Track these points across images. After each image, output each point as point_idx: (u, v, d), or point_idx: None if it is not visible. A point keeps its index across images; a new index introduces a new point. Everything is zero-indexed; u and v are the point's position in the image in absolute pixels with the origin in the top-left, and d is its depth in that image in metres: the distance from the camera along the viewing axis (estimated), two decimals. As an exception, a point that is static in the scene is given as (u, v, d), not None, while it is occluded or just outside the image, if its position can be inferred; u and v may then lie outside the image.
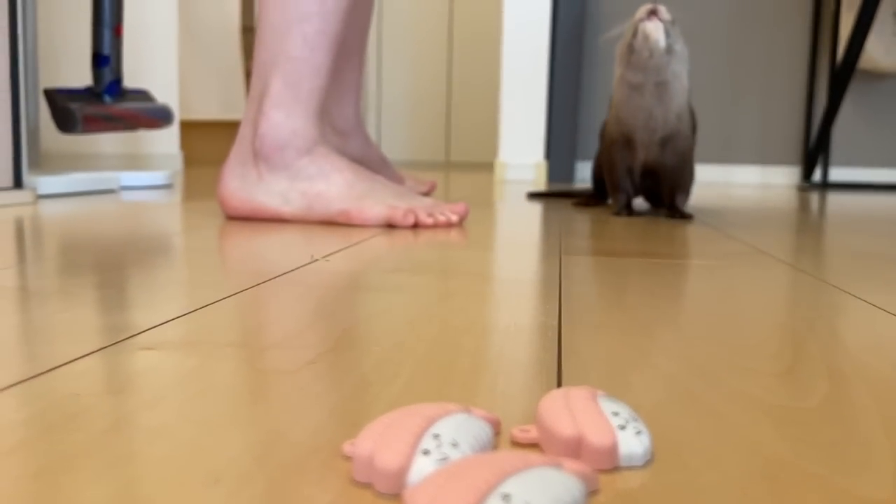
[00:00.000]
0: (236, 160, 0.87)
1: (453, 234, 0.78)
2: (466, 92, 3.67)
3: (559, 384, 0.29)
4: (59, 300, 0.42)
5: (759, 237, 0.83)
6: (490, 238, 0.76)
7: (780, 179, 2.44)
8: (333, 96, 1.17)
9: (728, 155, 2.46)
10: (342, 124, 1.22)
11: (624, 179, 1.09)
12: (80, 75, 1.91)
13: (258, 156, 0.84)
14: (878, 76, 2.37)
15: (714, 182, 2.43)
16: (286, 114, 0.83)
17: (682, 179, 1.06)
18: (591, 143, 2.49)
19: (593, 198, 1.27)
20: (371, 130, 3.71)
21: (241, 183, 0.86)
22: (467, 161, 3.73)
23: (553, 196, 1.40)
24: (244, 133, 0.87)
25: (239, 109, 3.11)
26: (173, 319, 0.38)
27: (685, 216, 1.04)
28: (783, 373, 0.31)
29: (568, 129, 2.34)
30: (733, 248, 0.73)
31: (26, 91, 1.50)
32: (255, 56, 0.85)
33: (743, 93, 2.43)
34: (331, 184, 0.84)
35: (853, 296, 0.49)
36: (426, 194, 1.24)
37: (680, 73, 1.05)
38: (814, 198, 1.71)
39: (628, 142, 1.07)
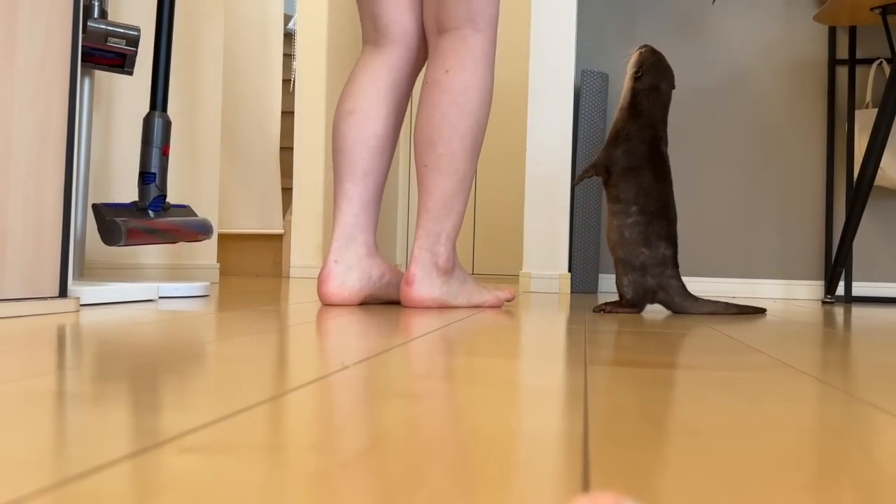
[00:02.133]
0: (423, 273, 1.26)
1: (479, 341, 0.79)
2: (492, 207, 3.76)
3: (585, 490, 0.29)
4: (95, 405, 0.43)
5: (784, 350, 0.83)
6: (516, 346, 0.77)
7: (803, 294, 2.42)
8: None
9: (751, 270, 2.46)
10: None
11: None
12: (127, 191, 2.01)
13: (440, 270, 1.27)
14: (893, 193, 2.39)
15: (738, 296, 2.42)
16: (453, 247, 1.29)
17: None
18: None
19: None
20: (401, 244, 3.78)
21: (429, 288, 1.26)
22: (493, 273, 3.77)
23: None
24: (422, 255, 1.26)
25: (274, 223, 3.22)
26: (206, 425, 0.39)
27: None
28: (810, 484, 0.31)
29: (591, 242, 2.37)
30: (758, 360, 0.73)
31: (76, 205, 1.58)
32: (435, 194, 1.24)
33: (763, 210, 2.47)
34: (471, 285, 1.34)
35: (880, 409, 0.49)
36: (510, 300, 1.49)
37: None
38: (838, 312, 1.69)
39: None
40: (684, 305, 1.32)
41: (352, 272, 1.28)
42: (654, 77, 1.30)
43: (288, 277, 2.89)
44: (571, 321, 1.16)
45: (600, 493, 0.25)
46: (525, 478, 0.31)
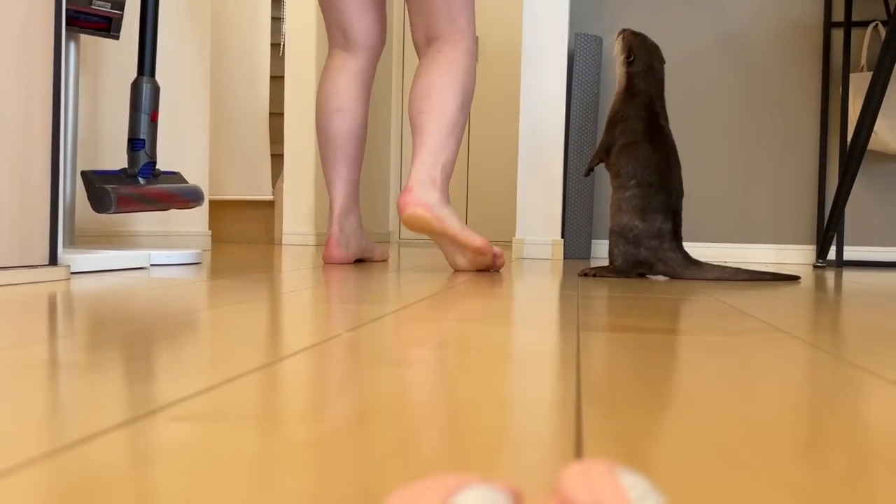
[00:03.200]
0: (419, 185, 1.33)
1: (472, 308, 0.79)
2: (484, 173, 3.74)
3: (578, 457, 0.29)
4: (89, 373, 0.43)
5: (776, 314, 0.83)
6: (509, 313, 0.77)
7: (795, 258, 2.43)
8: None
9: (743, 235, 2.47)
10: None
11: None
12: (116, 158, 1.99)
13: (436, 187, 1.34)
14: (889, 157, 2.39)
15: (730, 261, 2.43)
16: (447, 181, 1.37)
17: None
18: (607, 222, 2.52)
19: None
20: (393, 211, 3.77)
21: (427, 195, 1.33)
22: (487, 239, 3.77)
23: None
24: (419, 174, 1.33)
25: (263, 190, 3.20)
26: (199, 393, 0.39)
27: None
28: (802, 449, 0.31)
29: (584, 208, 2.37)
30: (750, 324, 0.73)
31: (64, 172, 1.57)
32: (432, 131, 1.35)
33: (756, 174, 2.46)
34: (462, 223, 1.36)
35: (871, 372, 0.49)
36: (498, 257, 1.52)
37: None
38: (829, 276, 1.70)
39: None
40: (687, 273, 1.32)
41: (350, 240, 1.55)
42: (645, 57, 1.33)
43: (280, 245, 2.88)
44: (564, 287, 1.16)
45: (594, 462, 0.25)
46: (517, 445, 0.31)
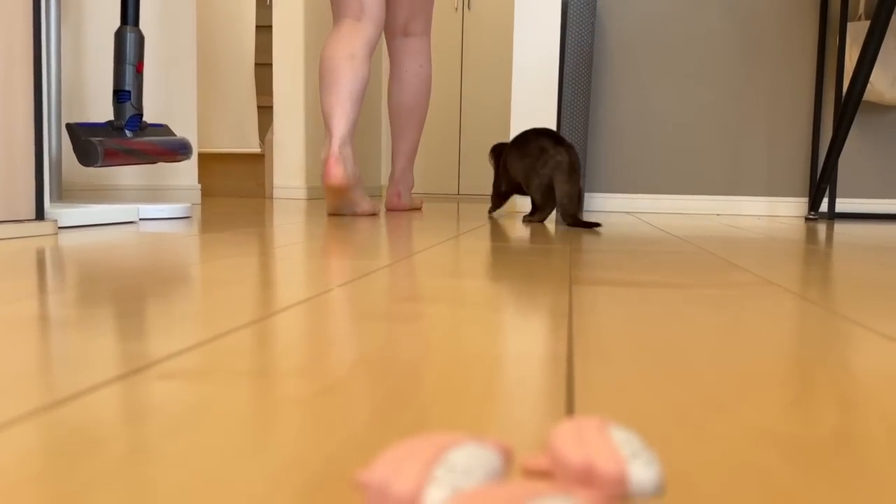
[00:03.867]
0: (405, 192, 1.99)
1: (464, 263, 0.79)
2: (477, 126, 3.71)
3: (570, 413, 0.29)
4: (79, 329, 0.43)
5: (767, 267, 0.83)
6: (500, 267, 0.77)
7: (787, 211, 2.44)
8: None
9: (735, 187, 2.46)
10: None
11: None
12: (102, 111, 1.95)
13: (408, 190, 2.02)
14: (884, 108, 2.37)
15: (722, 213, 2.43)
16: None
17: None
18: (600, 174, 2.50)
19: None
20: (385, 166, 3.74)
21: (407, 201, 2.00)
22: (478, 193, 3.75)
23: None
24: (402, 182, 1.99)
25: (251, 143, 3.16)
26: (189, 349, 0.38)
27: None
28: (793, 403, 0.31)
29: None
30: (741, 277, 0.73)
31: (49, 125, 1.54)
32: (413, 139, 1.97)
33: (750, 126, 2.44)
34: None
35: (861, 325, 0.49)
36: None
37: None
38: (821, 229, 1.71)
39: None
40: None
41: (348, 164, 1.63)
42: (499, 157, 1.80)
43: (271, 198, 2.86)
44: (556, 241, 1.16)
45: (585, 419, 0.25)
46: (509, 400, 0.31)
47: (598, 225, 1.49)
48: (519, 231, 1.35)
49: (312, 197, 2.91)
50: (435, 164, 3.78)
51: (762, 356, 0.40)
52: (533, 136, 1.59)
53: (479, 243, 1.07)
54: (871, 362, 0.39)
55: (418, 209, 2.06)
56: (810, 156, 2.42)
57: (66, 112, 1.85)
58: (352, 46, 1.66)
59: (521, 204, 2.27)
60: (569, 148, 1.53)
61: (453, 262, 0.81)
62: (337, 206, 1.66)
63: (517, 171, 1.63)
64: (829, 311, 0.55)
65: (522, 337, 0.43)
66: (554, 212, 1.82)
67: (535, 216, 1.60)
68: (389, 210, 1.96)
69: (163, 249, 0.90)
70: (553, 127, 2.27)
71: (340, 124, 1.62)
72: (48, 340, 0.40)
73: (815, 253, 1.05)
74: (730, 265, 0.85)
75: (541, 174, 1.54)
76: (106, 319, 0.46)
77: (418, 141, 2.01)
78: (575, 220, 1.48)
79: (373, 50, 1.72)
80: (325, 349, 0.39)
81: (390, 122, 1.96)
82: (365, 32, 1.68)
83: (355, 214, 1.70)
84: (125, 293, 0.56)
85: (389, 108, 1.94)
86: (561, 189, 1.50)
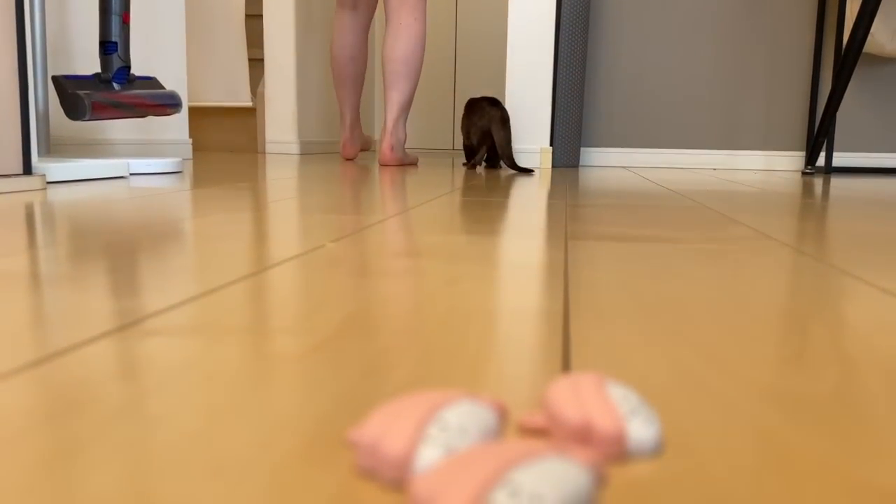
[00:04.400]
0: (396, 146, 2.00)
1: (458, 218, 0.78)
2: (472, 81, 3.65)
3: (566, 370, 0.29)
4: (67, 285, 0.42)
5: (764, 221, 0.83)
6: (495, 223, 0.76)
7: (783, 165, 2.42)
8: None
9: (732, 141, 2.44)
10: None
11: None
12: (89, 63, 1.91)
13: (400, 144, 2.03)
14: (883, 61, 2.34)
15: (718, 167, 2.42)
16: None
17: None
18: (596, 128, 2.48)
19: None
20: (379, 120, 3.70)
21: (399, 155, 2.01)
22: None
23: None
24: (394, 135, 2.00)
25: (241, 96, 3.11)
26: (180, 304, 0.38)
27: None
28: (792, 358, 0.31)
29: (573, 116, 2.32)
30: (739, 231, 0.72)
31: (35, 78, 1.50)
32: (405, 91, 1.99)
33: (747, 79, 2.41)
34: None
35: (858, 279, 0.49)
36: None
37: None
38: (817, 183, 1.70)
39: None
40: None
41: (356, 142, 2.20)
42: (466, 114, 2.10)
43: (264, 153, 2.83)
44: (552, 196, 1.15)
45: (582, 375, 0.24)
46: (504, 357, 0.30)
47: (531, 171, 1.86)
48: (514, 187, 1.34)
49: (305, 152, 2.88)
50: (430, 120, 3.74)
51: (760, 311, 0.39)
52: (477, 101, 2.02)
53: (473, 198, 1.06)
54: (869, 316, 0.38)
55: (413, 165, 2.07)
56: (808, 109, 2.39)
57: (52, 64, 1.81)
58: (351, 48, 2.10)
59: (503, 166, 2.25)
60: (501, 108, 1.97)
61: (447, 217, 0.80)
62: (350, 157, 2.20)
63: (466, 127, 2.04)
64: (827, 265, 0.54)
65: (517, 292, 0.43)
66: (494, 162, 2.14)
67: (473, 159, 2.02)
68: (382, 164, 1.97)
69: (154, 205, 0.88)
70: (549, 81, 2.23)
71: (350, 113, 2.16)
72: (39, 296, 0.39)
73: (812, 207, 1.04)
74: (727, 219, 0.84)
75: (479, 125, 1.98)
76: (97, 275, 0.45)
77: (411, 94, 2.00)
78: (512, 164, 1.90)
79: (367, 34, 2.13)
80: (317, 305, 0.39)
81: (383, 74, 1.99)
82: (358, 24, 2.10)
83: (402, 165, 2.04)
84: (116, 249, 0.55)
85: (383, 59, 1.98)
86: (497, 135, 1.93)
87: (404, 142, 2.04)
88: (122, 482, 0.19)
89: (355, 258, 0.53)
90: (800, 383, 0.28)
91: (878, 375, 0.29)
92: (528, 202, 1.02)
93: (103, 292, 0.41)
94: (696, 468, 0.20)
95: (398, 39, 1.95)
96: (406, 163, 2.05)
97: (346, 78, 2.12)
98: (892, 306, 0.41)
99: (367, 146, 2.45)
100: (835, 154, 2.39)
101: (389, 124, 1.98)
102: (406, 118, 2.03)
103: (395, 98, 1.98)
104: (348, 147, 2.18)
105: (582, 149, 2.48)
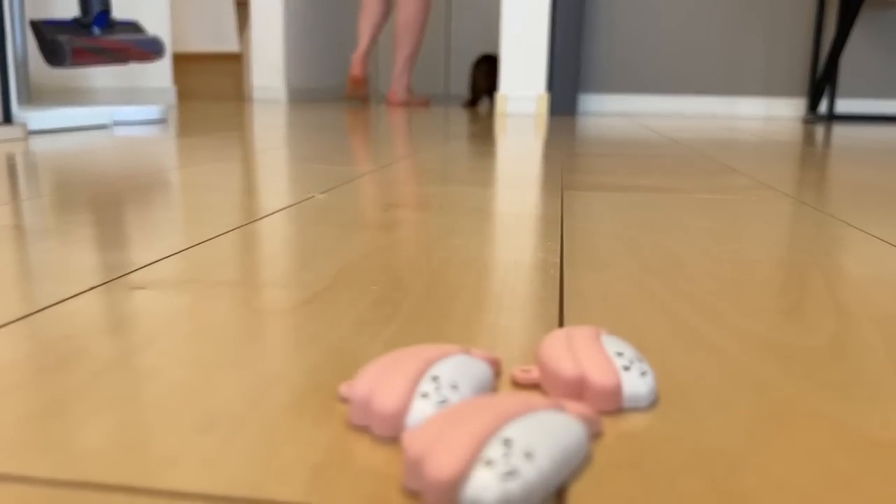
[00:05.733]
0: (401, 91, 2.47)
1: (452, 168, 0.77)
2: (466, 23, 3.58)
3: (561, 323, 0.28)
4: (53, 238, 0.41)
5: (763, 171, 0.82)
6: (490, 173, 0.75)
7: (785, 112, 2.40)
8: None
9: (732, 87, 2.41)
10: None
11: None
12: (67, 6, 1.85)
13: (405, 89, 2.49)
14: (890, 4, 2.30)
15: (718, 114, 2.39)
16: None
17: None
18: (595, 75, 2.44)
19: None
20: (373, 64, 3.63)
21: (403, 96, 2.49)
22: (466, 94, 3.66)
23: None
24: (399, 82, 2.46)
25: (229, 42, 3.03)
26: (168, 257, 0.37)
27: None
28: (789, 310, 0.31)
29: (571, 61, 2.28)
30: (738, 181, 0.72)
31: (12, 23, 1.46)
32: (409, 46, 2.45)
33: (749, 23, 2.37)
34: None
35: (858, 229, 0.48)
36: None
37: None
38: (819, 130, 1.69)
39: None
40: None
41: (366, 65, 2.47)
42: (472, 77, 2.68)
43: (251, 100, 2.78)
44: (549, 145, 1.13)
45: (577, 328, 0.24)
46: (497, 310, 0.30)
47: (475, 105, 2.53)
48: (509, 137, 1.32)
49: (294, 99, 2.83)
50: (420, 62, 3.68)
51: (758, 262, 0.39)
52: (481, 57, 2.62)
53: (468, 147, 1.05)
54: (867, 267, 0.38)
55: (423, 104, 2.53)
56: (811, 53, 2.35)
57: (30, 8, 1.75)
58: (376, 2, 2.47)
59: (505, 108, 2.22)
60: (492, 61, 2.57)
61: (442, 168, 0.79)
62: (352, 92, 2.46)
63: (472, 77, 2.63)
64: (826, 215, 0.54)
65: (512, 244, 0.42)
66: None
67: (469, 102, 2.61)
68: (389, 105, 2.47)
69: (139, 154, 0.87)
70: (546, 23, 2.19)
71: (365, 43, 2.47)
72: (24, 250, 0.38)
73: (812, 156, 1.03)
74: (726, 168, 0.83)
75: (475, 74, 2.61)
76: (83, 227, 0.44)
77: (416, 49, 2.45)
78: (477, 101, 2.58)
79: None
80: (307, 258, 0.38)
81: (393, 32, 2.45)
82: None
83: (410, 104, 2.46)
84: (101, 200, 0.54)
85: (395, 19, 2.44)
86: (484, 83, 2.59)
87: (407, 87, 2.49)
88: (114, 436, 0.19)
89: (345, 210, 0.52)
90: (796, 335, 0.27)
91: (874, 327, 0.29)
92: (525, 152, 1.00)
93: (90, 245, 0.40)
94: (692, 421, 0.20)
95: (407, 7, 2.41)
96: (413, 103, 2.48)
97: (369, 12, 2.46)
98: (889, 256, 0.41)
99: (424, 102, 2.66)
100: (838, 100, 2.37)
101: (395, 74, 2.46)
102: (411, 68, 2.46)
103: (402, 54, 2.45)
104: (356, 64, 2.47)
105: (581, 95, 2.45)
